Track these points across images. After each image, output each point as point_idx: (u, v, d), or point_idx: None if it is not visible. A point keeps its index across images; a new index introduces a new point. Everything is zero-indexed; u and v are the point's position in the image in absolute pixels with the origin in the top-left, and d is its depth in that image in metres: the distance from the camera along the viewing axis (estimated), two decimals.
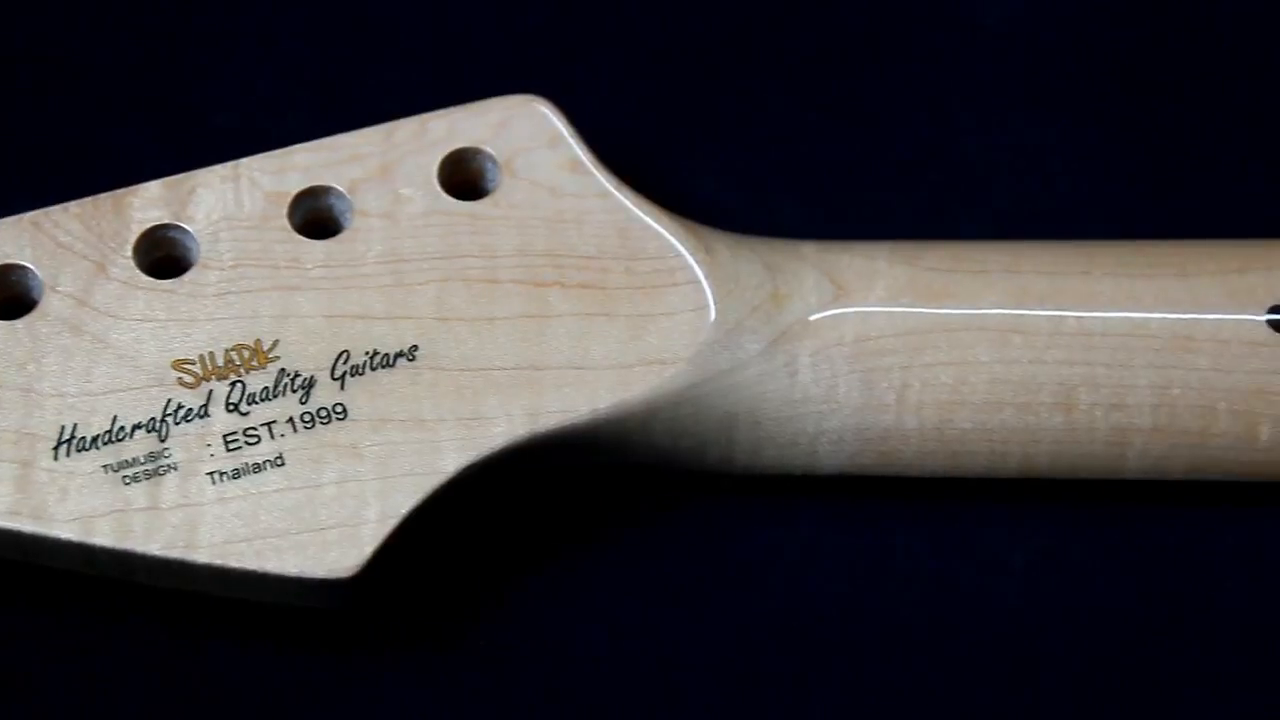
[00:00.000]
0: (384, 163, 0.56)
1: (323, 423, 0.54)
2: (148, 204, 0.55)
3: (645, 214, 0.56)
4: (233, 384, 0.54)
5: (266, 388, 0.54)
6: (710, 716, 0.57)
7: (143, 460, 0.53)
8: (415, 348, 0.55)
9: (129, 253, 0.55)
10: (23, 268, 0.55)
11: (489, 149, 0.56)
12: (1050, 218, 0.63)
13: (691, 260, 0.56)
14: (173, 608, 0.56)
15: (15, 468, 0.53)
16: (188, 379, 0.54)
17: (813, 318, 0.56)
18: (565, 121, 0.57)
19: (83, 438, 0.53)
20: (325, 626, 0.57)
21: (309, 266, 0.55)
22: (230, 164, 0.56)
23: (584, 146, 0.57)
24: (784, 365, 0.56)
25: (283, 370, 0.54)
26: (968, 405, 0.56)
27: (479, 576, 0.58)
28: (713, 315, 0.55)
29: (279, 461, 0.53)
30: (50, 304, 0.54)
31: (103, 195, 0.55)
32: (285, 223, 0.55)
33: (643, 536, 0.59)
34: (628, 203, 0.56)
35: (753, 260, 0.56)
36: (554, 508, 0.59)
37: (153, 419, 0.53)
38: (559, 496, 0.59)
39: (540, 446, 0.54)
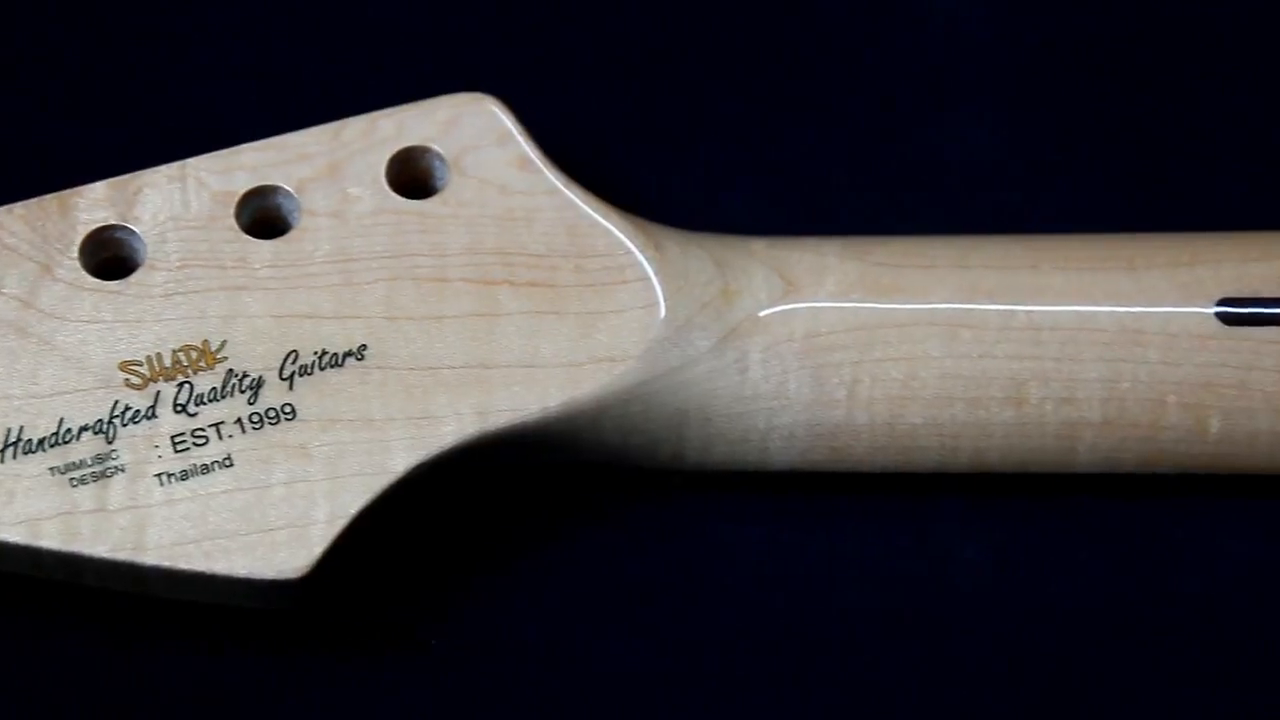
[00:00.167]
0: (332, 162, 0.56)
1: (271, 423, 0.54)
2: (93, 205, 0.55)
3: (594, 211, 0.56)
4: (180, 385, 0.54)
5: (214, 388, 0.54)
6: (664, 714, 0.57)
7: (90, 462, 0.53)
8: (364, 347, 0.54)
9: (75, 254, 0.54)
10: None
11: (437, 147, 0.56)
12: (1001, 212, 0.64)
13: (641, 257, 0.56)
14: (121, 610, 0.56)
15: None
16: (135, 380, 0.54)
17: (763, 314, 0.56)
18: (514, 119, 0.57)
19: (29, 440, 0.53)
20: (275, 627, 0.57)
21: (257, 266, 0.55)
22: (177, 164, 0.56)
23: (533, 144, 0.56)
24: (734, 362, 0.56)
25: (231, 371, 0.54)
26: (918, 400, 0.56)
27: (430, 576, 0.58)
28: (662, 312, 0.55)
29: (227, 462, 0.53)
30: None
31: (48, 196, 0.55)
32: (233, 223, 0.55)
33: (594, 535, 0.59)
34: (577, 200, 0.56)
35: (702, 257, 0.56)
36: (505, 507, 0.59)
37: (100, 421, 0.53)
38: (510, 495, 0.59)
39: (490, 445, 0.54)
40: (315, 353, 0.54)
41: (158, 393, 0.54)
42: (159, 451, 0.53)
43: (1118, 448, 0.57)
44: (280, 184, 0.56)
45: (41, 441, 0.53)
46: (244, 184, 0.55)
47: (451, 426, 0.54)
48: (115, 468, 0.53)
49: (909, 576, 0.59)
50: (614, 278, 0.56)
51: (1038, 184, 0.64)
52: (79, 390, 0.53)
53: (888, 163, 0.64)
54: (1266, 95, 0.65)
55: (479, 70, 0.64)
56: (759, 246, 0.57)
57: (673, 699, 0.58)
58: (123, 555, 0.52)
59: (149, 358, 0.54)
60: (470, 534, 0.59)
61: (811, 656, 0.58)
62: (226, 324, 0.54)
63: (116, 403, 0.53)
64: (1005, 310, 0.56)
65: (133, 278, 0.55)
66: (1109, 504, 0.60)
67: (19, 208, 0.55)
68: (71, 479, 0.53)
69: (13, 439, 0.53)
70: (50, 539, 0.52)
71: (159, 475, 0.53)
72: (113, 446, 0.53)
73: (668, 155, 0.64)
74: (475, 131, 0.56)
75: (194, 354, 0.54)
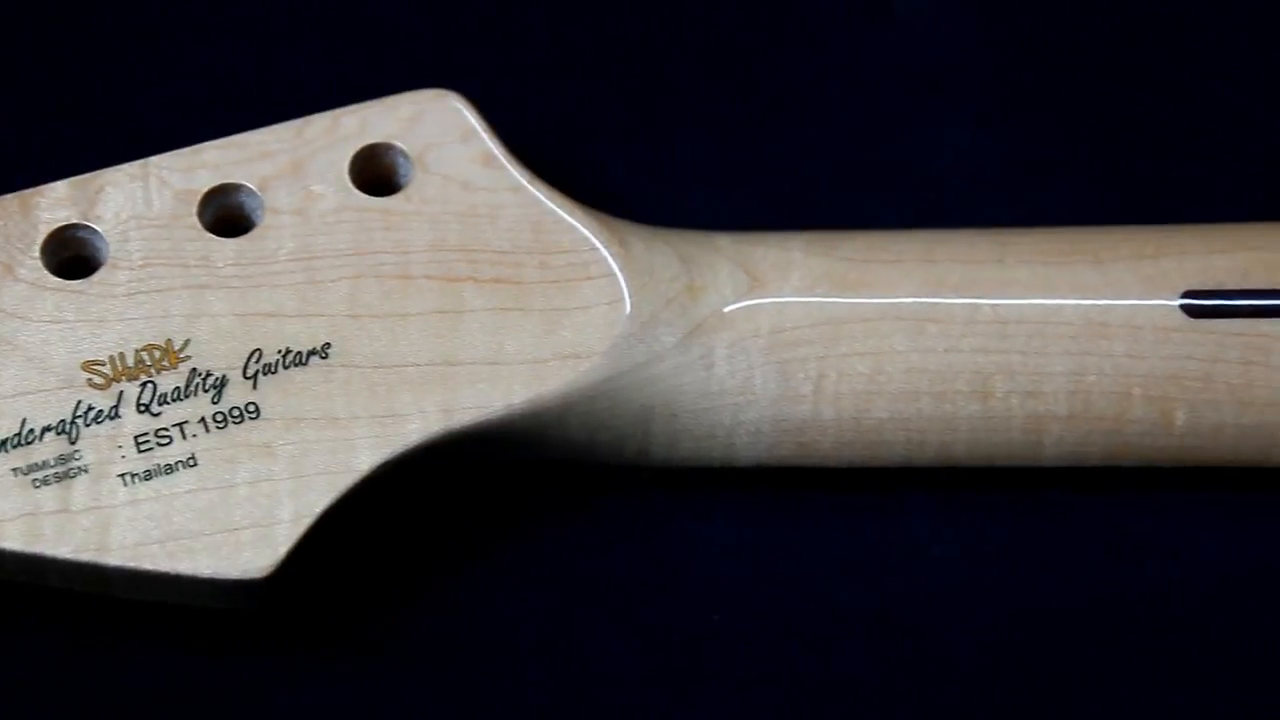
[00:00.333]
0: (295, 159, 0.56)
1: (235, 422, 0.53)
2: (55, 204, 0.55)
3: (559, 207, 0.56)
4: (143, 384, 0.53)
5: (178, 388, 0.54)
6: (630, 711, 0.57)
7: (53, 463, 0.53)
8: (328, 345, 0.54)
9: (36, 253, 0.54)
10: None
11: (401, 144, 0.56)
12: (966, 205, 0.64)
13: (606, 253, 0.56)
14: (86, 611, 0.56)
15: None
16: (98, 380, 0.53)
17: (728, 309, 0.56)
18: (478, 115, 0.56)
19: None
20: (240, 627, 0.57)
21: (220, 265, 0.55)
22: (139, 162, 0.55)
23: (497, 140, 0.56)
24: (700, 357, 0.56)
25: (194, 370, 0.54)
26: (884, 395, 0.56)
27: (396, 574, 0.58)
28: (627, 308, 0.55)
29: (191, 462, 0.53)
30: None
31: (8, 195, 0.55)
32: (195, 221, 0.55)
33: (561, 532, 0.59)
34: (541, 196, 0.56)
35: (667, 253, 0.56)
36: (471, 504, 0.59)
37: (63, 421, 0.53)
38: (476, 493, 0.59)
39: (456, 442, 0.54)
40: (279, 351, 0.54)
41: (121, 392, 0.53)
42: (122, 451, 0.53)
43: (1084, 441, 0.57)
44: (243, 182, 0.55)
45: (4, 442, 0.53)
46: (206, 182, 0.55)
47: (416, 424, 0.54)
48: (78, 468, 0.53)
49: (876, 570, 0.59)
50: (579, 274, 0.55)
51: (1012, 185, 0.64)
52: (41, 390, 0.53)
53: (858, 160, 0.64)
54: (1232, 91, 0.65)
55: (443, 66, 0.64)
56: (724, 242, 0.57)
57: (642, 695, 0.58)
58: (86, 556, 0.52)
59: (112, 357, 0.54)
60: (436, 532, 0.59)
61: (780, 652, 0.58)
62: (190, 323, 0.54)
63: (79, 403, 0.53)
64: (971, 304, 0.56)
65: (95, 277, 0.54)
66: (1075, 497, 0.60)
67: None
68: (34, 480, 0.52)
69: None
70: (13, 540, 0.52)
71: (122, 475, 0.53)
72: (76, 447, 0.53)
73: (632, 151, 0.64)
74: (439, 128, 0.56)
75: (157, 353, 0.54)
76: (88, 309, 0.54)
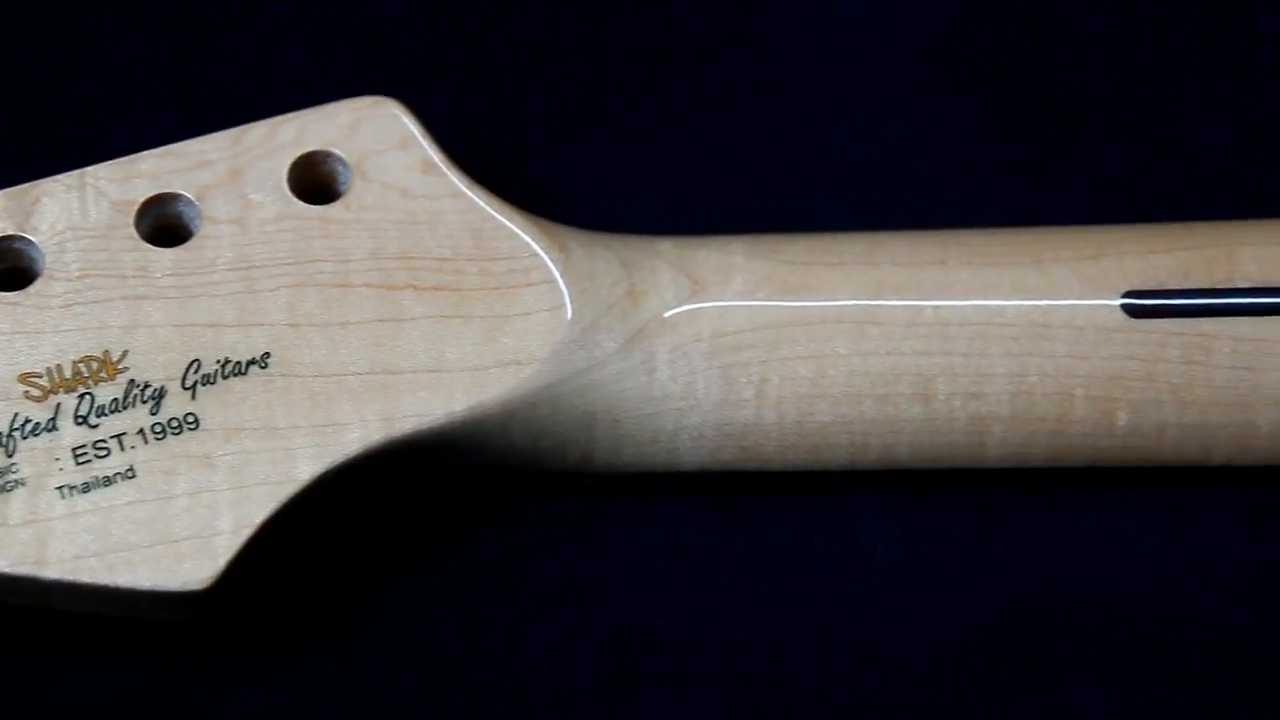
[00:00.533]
0: (233, 168, 0.55)
1: (174, 433, 0.53)
2: None
3: (499, 214, 0.56)
4: (81, 396, 0.53)
5: (116, 399, 0.53)
6: (575, 716, 0.57)
7: None
8: (267, 355, 0.54)
9: None
10: None
11: (339, 151, 0.56)
12: (909, 207, 0.64)
13: (546, 259, 0.55)
14: (26, 624, 0.56)
15: None
16: (34, 392, 0.53)
17: (669, 314, 0.56)
18: (416, 122, 0.56)
19: None
20: (182, 639, 0.56)
21: (158, 275, 0.54)
22: (75, 173, 0.55)
23: (436, 147, 0.56)
24: (642, 363, 0.56)
25: (132, 381, 0.53)
26: (827, 398, 0.56)
27: (339, 583, 0.58)
28: (568, 314, 0.55)
29: (130, 474, 0.53)
30: None
31: None
32: (133, 231, 0.55)
33: (505, 538, 0.59)
34: (481, 203, 0.56)
35: (608, 258, 0.56)
36: (413, 511, 0.59)
37: None
38: (418, 500, 0.59)
39: (397, 451, 0.54)
40: (218, 361, 0.54)
41: (58, 404, 0.53)
42: (60, 464, 0.52)
43: (1026, 442, 0.57)
44: (181, 191, 0.55)
45: None
46: (144, 192, 0.55)
47: (357, 433, 0.53)
48: (15, 481, 0.52)
49: (821, 573, 0.59)
50: (519, 280, 0.55)
51: (946, 178, 0.64)
52: None
53: (795, 159, 0.64)
54: (1172, 88, 0.65)
55: (382, 73, 0.64)
56: (666, 247, 0.57)
57: (586, 701, 0.57)
58: (24, 569, 0.52)
59: (49, 369, 0.53)
60: (378, 540, 0.58)
61: (725, 656, 0.58)
62: (127, 334, 0.54)
63: (16, 415, 0.53)
64: (913, 306, 0.56)
65: (31, 288, 0.54)
66: (1018, 497, 0.60)
67: None
68: None
69: None
70: None
71: (60, 488, 0.52)
72: (12, 460, 0.52)
73: (573, 157, 0.64)
74: (377, 135, 0.56)
75: (94, 365, 0.53)
76: (24, 321, 0.54)
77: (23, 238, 0.54)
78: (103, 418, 0.53)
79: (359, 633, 0.57)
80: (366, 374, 0.54)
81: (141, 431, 0.53)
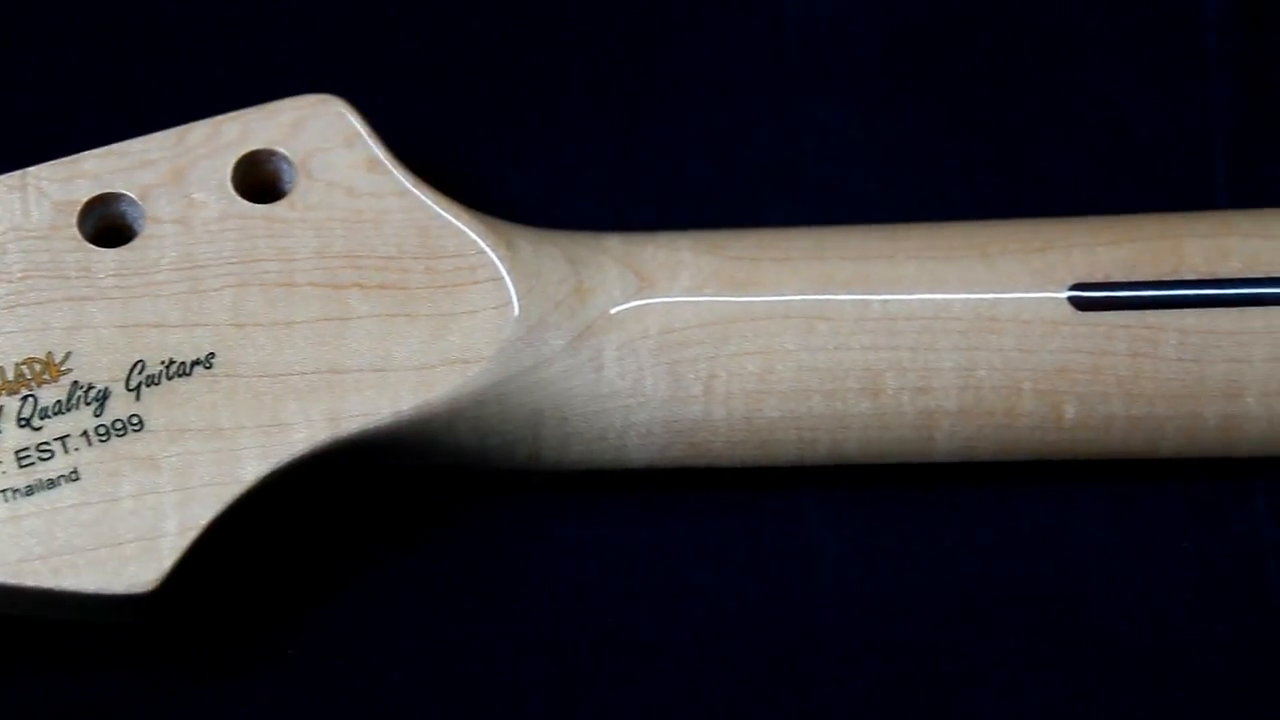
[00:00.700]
0: (176, 167, 0.55)
1: (118, 435, 0.53)
2: None
3: (445, 211, 0.56)
4: (24, 398, 0.53)
5: (59, 401, 0.53)
6: (524, 716, 0.57)
7: None
8: (212, 355, 0.54)
9: None
10: None
11: (284, 150, 0.55)
12: (856, 202, 0.63)
13: (493, 257, 0.55)
14: None
15: None
16: None
17: (616, 311, 0.56)
18: (362, 120, 0.56)
19: None
20: (128, 644, 0.56)
21: (101, 276, 0.54)
22: (17, 173, 0.54)
23: (381, 145, 0.56)
24: (589, 360, 0.56)
25: (76, 383, 0.53)
26: (775, 394, 0.56)
27: (286, 583, 0.58)
28: (515, 312, 0.55)
29: (74, 476, 0.52)
30: None
31: None
32: (75, 232, 0.54)
33: (453, 537, 0.59)
34: (427, 200, 0.56)
35: (555, 255, 0.56)
36: (361, 511, 0.58)
37: None
38: (365, 500, 0.58)
39: (344, 451, 0.54)
40: (162, 362, 0.54)
41: (0, 407, 0.53)
42: (3, 467, 0.52)
43: (975, 436, 0.57)
44: (124, 191, 0.55)
45: None
46: (86, 192, 0.55)
47: (303, 433, 0.53)
48: None
49: (771, 569, 0.59)
50: (466, 278, 0.55)
51: (894, 173, 0.64)
52: None
53: (744, 154, 0.64)
54: (1117, 80, 0.65)
55: (326, 71, 0.64)
56: (613, 243, 0.57)
57: (536, 699, 0.57)
58: None
59: None
60: (326, 540, 0.58)
61: (676, 653, 0.58)
62: (70, 335, 0.53)
63: None
64: (860, 301, 0.56)
65: None
66: (968, 491, 0.60)
67: None
68: None
69: None
70: None
71: (3, 491, 0.52)
72: None
73: (520, 153, 0.63)
74: (322, 133, 0.56)
75: (37, 366, 0.53)
76: None
77: None
78: (46, 420, 0.53)
79: (307, 635, 0.57)
80: (312, 373, 0.54)
81: (85, 433, 0.53)
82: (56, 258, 0.54)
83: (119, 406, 0.53)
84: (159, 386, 0.53)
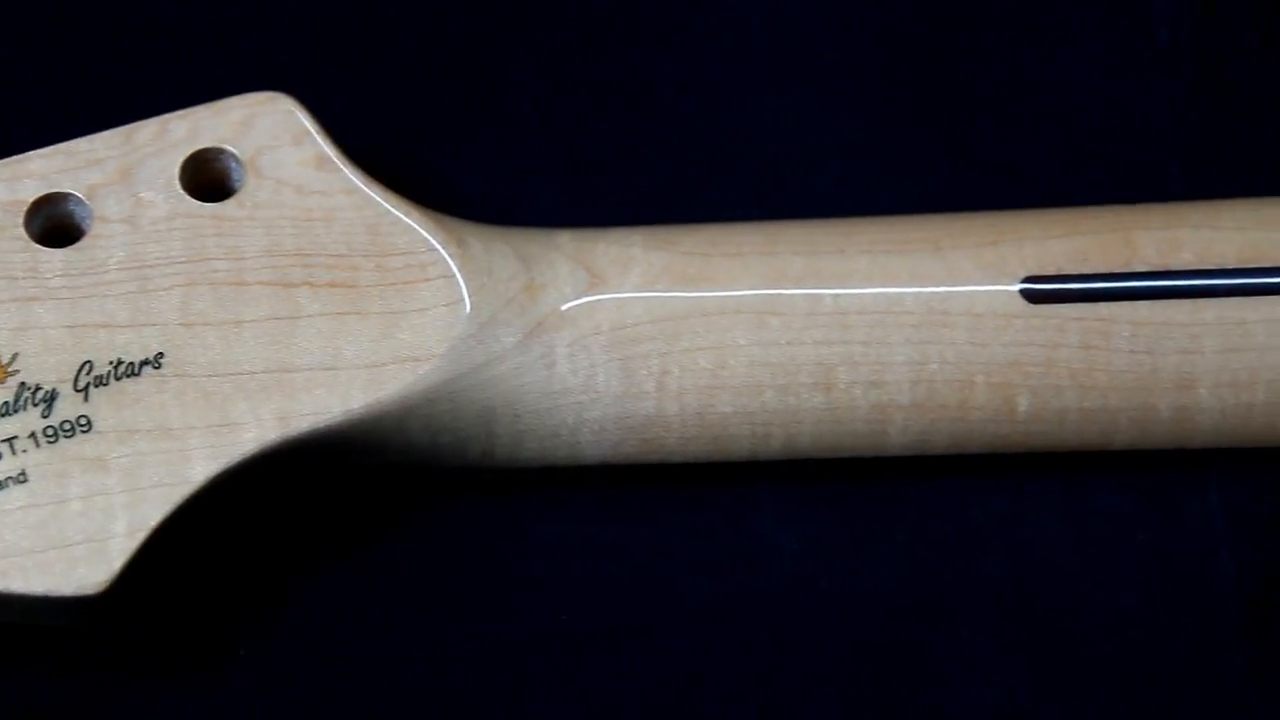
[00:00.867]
0: (123, 166, 0.55)
1: (66, 436, 0.52)
2: None
3: (395, 209, 0.55)
4: None
5: (6, 402, 0.53)
6: (478, 713, 0.57)
7: None
8: (161, 355, 0.53)
9: None
10: None
11: (232, 148, 0.55)
12: (811, 196, 0.63)
13: (444, 254, 0.55)
14: None
15: None
16: None
17: (567, 307, 0.56)
18: (310, 118, 0.56)
19: None
20: (80, 645, 0.56)
21: (48, 276, 0.54)
22: None
23: (330, 142, 0.56)
24: (541, 357, 0.55)
25: (23, 384, 0.53)
26: (727, 389, 0.56)
27: (238, 585, 0.57)
28: (466, 309, 0.55)
29: (22, 478, 0.52)
30: None
31: None
32: (22, 232, 0.54)
33: (406, 536, 0.59)
34: (377, 198, 0.55)
35: (506, 252, 0.56)
36: (312, 511, 0.58)
37: None
38: (317, 500, 0.58)
39: (295, 450, 0.54)
40: (111, 362, 0.53)
41: None
42: None
43: (928, 429, 0.57)
44: (71, 190, 0.54)
45: None
46: (33, 192, 0.54)
47: (253, 433, 0.53)
48: None
49: (726, 565, 0.59)
50: (416, 276, 0.55)
51: (848, 167, 0.64)
52: None
53: (697, 149, 0.64)
54: (1068, 72, 0.65)
55: (274, 69, 0.63)
56: (564, 239, 0.57)
57: (494, 700, 0.57)
58: None
59: None
60: (277, 541, 0.58)
61: (631, 649, 0.58)
62: (17, 336, 0.53)
63: None
64: (812, 295, 0.56)
65: None
66: (922, 484, 0.60)
67: None
68: None
69: None
70: None
71: None
72: None
73: (470, 150, 0.63)
74: (271, 131, 0.55)
75: None
76: None
77: None
78: None
79: (261, 636, 0.57)
80: (262, 373, 0.54)
81: (33, 435, 0.52)
82: (3, 258, 0.54)
83: (67, 407, 0.53)
84: (107, 387, 0.53)
